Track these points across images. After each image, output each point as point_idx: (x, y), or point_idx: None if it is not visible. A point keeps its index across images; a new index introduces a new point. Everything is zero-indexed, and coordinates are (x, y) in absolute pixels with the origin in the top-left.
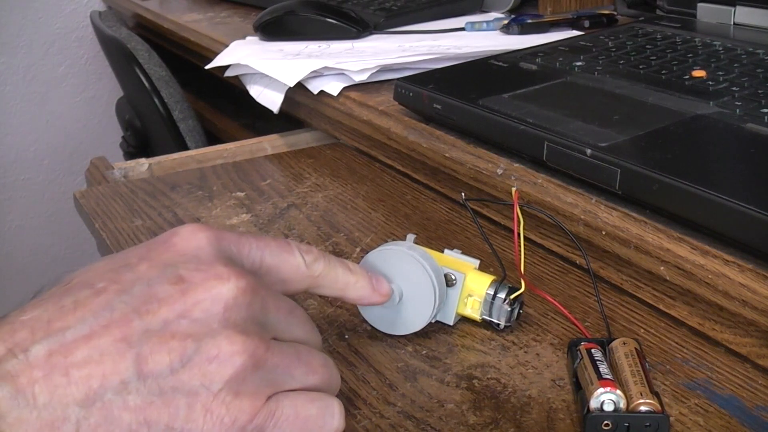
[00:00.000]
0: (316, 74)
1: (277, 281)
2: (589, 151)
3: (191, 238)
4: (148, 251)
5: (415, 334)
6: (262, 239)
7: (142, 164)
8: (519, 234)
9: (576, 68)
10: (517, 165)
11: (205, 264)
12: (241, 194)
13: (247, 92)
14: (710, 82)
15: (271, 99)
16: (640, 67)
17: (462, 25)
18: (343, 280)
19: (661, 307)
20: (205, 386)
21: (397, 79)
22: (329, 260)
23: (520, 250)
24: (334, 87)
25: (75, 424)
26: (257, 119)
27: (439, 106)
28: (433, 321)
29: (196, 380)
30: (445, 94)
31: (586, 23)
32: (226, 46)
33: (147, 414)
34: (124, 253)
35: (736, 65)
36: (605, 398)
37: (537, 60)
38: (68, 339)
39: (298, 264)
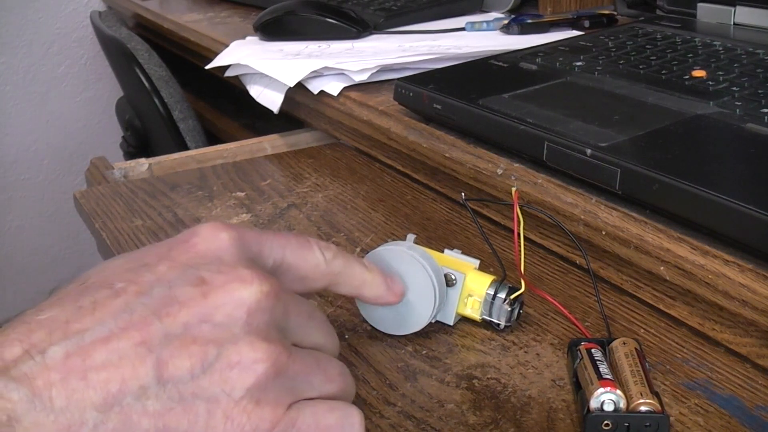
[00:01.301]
0: (316, 74)
1: (297, 279)
2: (589, 151)
3: (213, 238)
4: (168, 251)
5: (415, 334)
6: (282, 236)
7: (142, 164)
8: (519, 234)
9: (576, 68)
10: (517, 165)
11: (227, 265)
12: (241, 194)
13: (247, 92)
14: (710, 82)
15: (271, 99)
16: (640, 67)
17: (462, 25)
18: (360, 278)
19: (661, 307)
20: (226, 393)
21: (397, 79)
22: (347, 258)
23: (520, 250)
24: (334, 87)
25: (92, 429)
26: (257, 119)
27: (439, 106)
28: (433, 321)
29: (216, 387)
30: (445, 94)
31: (586, 23)
32: (226, 46)
33: (166, 420)
34: (142, 251)
35: (736, 65)
36: (605, 398)
37: (537, 60)
38: (86, 341)
39: (318, 262)
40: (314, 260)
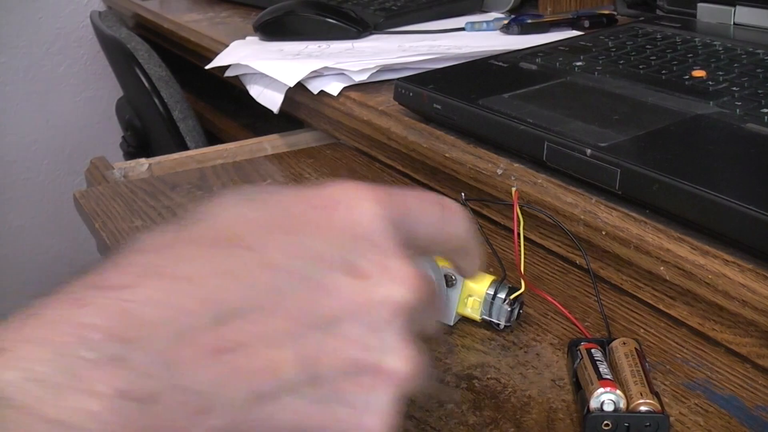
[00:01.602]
0: (316, 74)
1: (423, 246)
2: (589, 151)
3: (359, 210)
4: (307, 214)
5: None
6: (424, 205)
7: (142, 164)
8: (519, 234)
9: (576, 68)
10: (517, 165)
11: (379, 253)
12: None
13: (247, 92)
14: (710, 82)
15: (271, 99)
16: (640, 67)
17: (462, 25)
18: (477, 260)
19: (661, 307)
20: (367, 402)
21: (397, 79)
22: (476, 235)
23: (520, 250)
24: (334, 87)
25: (229, 417)
26: (257, 119)
27: (439, 106)
28: None
29: (361, 394)
30: (445, 94)
31: (586, 23)
32: (226, 46)
33: (306, 420)
34: (274, 202)
35: (736, 65)
36: (605, 398)
37: (537, 60)
38: (233, 319)
39: (453, 236)
40: (452, 233)
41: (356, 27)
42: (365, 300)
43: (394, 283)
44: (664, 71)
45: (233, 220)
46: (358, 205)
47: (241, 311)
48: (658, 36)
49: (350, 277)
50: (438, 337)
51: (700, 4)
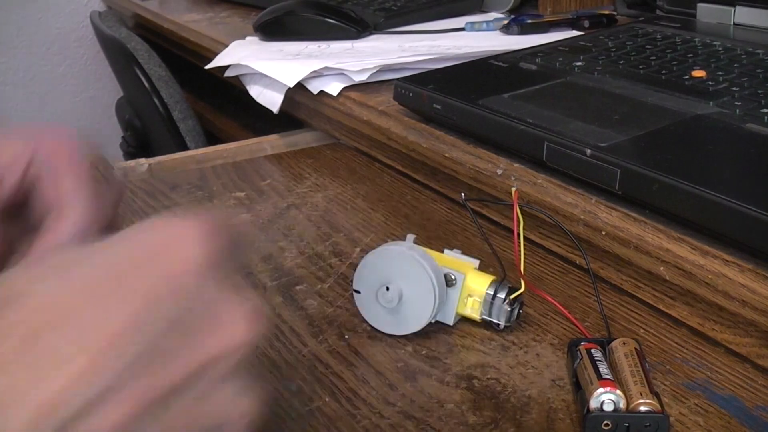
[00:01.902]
0: (316, 74)
1: None
2: (589, 151)
3: (187, 259)
4: (123, 277)
5: (415, 334)
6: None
7: (142, 164)
8: (519, 234)
9: (576, 68)
10: (517, 165)
11: (214, 303)
12: (241, 194)
13: (247, 92)
14: (710, 82)
15: (271, 99)
16: (640, 67)
17: (462, 25)
18: None
19: (661, 307)
20: None
21: (397, 79)
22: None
23: (520, 250)
24: (334, 87)
25: None
26: (257, 119)
27: (439, 106)
28: (433, 321)
29: None
30: (445, 94)
31: (586, 23)
32: (226, 46)
33: None
34: (85, 267)
35: (736, 65)
36: (605, 398)
37: (537, 60)
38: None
39: None
40: None
41: (356, 27)
42: (202, 357)
43: (238, 327)
44: (664, 71)
45: (32, 306)
46: (186, 256)
47: (66, 421)
48: (658, 36)
49: (184, 338)
50: (436, 335)
51: (700, 4)
